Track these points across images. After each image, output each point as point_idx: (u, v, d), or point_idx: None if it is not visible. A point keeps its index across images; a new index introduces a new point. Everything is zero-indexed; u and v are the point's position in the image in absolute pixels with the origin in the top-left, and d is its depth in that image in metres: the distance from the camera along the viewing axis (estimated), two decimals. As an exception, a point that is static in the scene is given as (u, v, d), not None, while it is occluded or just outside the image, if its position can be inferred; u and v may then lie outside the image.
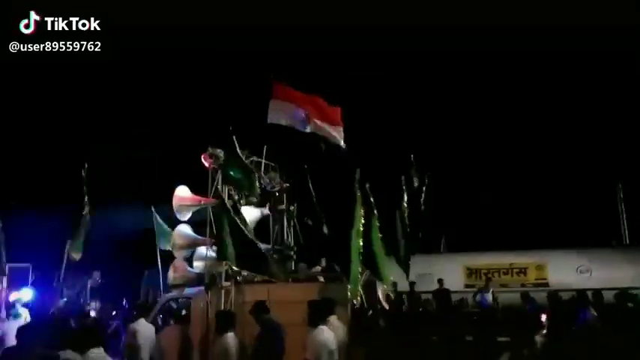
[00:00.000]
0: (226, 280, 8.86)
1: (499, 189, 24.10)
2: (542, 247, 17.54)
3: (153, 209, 10.77)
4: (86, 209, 10.41)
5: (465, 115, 25.01)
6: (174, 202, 9.30)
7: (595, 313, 8.67)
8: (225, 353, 6.38)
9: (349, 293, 8.38)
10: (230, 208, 8.13)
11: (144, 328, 7.03)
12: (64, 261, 11.46)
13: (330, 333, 6.28)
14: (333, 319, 6.53)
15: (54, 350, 4.94)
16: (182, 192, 9.43)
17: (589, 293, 9.71)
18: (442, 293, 14.57)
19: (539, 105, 25.04)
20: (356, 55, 22.35)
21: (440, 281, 15.06)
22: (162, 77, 23.12)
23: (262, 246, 9.05)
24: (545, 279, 16.65)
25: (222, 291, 8.73)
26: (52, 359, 4.69)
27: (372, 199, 8.21)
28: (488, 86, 24.38)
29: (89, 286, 16.03)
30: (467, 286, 16.88)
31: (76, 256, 10.67)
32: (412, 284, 15.18)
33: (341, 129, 10.40)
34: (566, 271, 16.33)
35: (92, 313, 13.20)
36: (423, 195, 9.78)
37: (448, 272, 16.78)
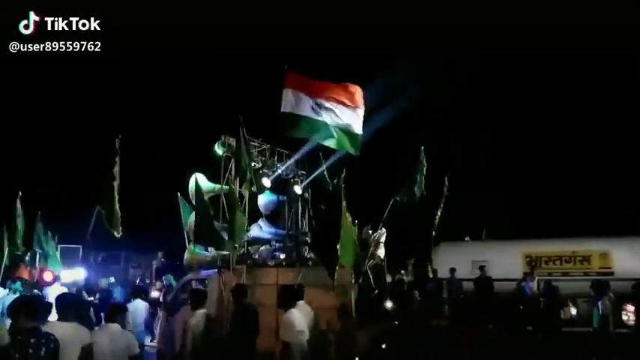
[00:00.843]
0: (238, 263, 9.32)
1: (560, 173, 22.76)
2: (607, 234, 16.31)
3: (178, 195, 11.29)
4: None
5: (523, 103, 24.09)
6: (190, 189, 9.81)
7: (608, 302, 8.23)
8: (196, 326, 7.01)
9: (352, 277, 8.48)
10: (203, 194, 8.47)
11: (140, 307, 7.67)
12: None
13: (300, 315, 6.60)
14: (301, 303, 6.78)
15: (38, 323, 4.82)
16: (198, 179, 9.89)
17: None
18: (483, 281, 14.12)
19: (593, 92, 24.01)
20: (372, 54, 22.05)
21: (481, 268, 14.56)
22: (162, 77, 24.09)
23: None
24: (609, 267, 15.58)
25: (235, 273, 9.20)
26: (27, 332, 4.57)
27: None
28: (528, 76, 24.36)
29: (154, 266, 16.85)
30: (526, 274, 16.14)
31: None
32: (452, 270, 14.86)
33: (361, 111, 10.25)
34: (633, 260, 15.19)
35: (156, 294, 14.13)
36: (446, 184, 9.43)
37: (506, 260, 16.29)
